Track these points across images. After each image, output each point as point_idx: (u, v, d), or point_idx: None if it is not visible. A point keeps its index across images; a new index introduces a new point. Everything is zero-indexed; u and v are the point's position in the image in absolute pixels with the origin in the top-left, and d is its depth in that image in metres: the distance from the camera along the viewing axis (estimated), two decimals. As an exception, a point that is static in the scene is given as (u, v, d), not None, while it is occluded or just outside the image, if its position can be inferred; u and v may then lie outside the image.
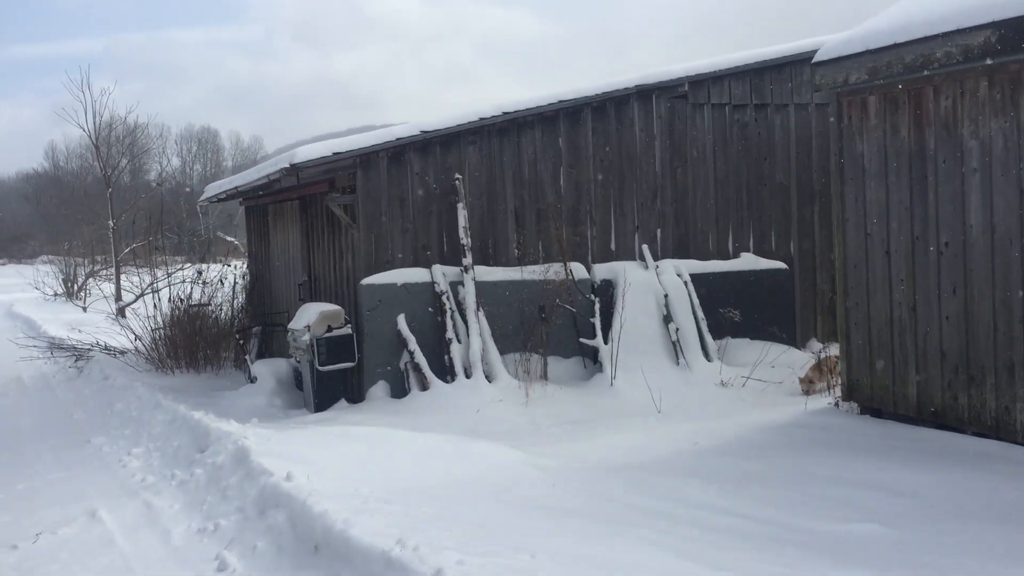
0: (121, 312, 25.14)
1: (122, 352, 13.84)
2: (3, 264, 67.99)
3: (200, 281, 14.26)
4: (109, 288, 28.90)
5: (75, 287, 34.55)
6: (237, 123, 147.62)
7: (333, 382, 9.39)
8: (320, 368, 9.20)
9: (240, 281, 14.93)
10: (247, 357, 10.74)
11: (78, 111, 36.50)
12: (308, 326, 9.23)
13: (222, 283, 14.36)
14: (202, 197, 14.94)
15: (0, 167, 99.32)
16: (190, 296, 14.00)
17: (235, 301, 14.20)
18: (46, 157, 76.48)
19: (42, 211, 69.63)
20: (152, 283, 23.94)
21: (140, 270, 28.52)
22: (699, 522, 5.02)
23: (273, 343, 13.01)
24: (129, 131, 26.38)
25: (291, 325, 9.65)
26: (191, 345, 12.72)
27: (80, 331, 16.21)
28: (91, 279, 33.89)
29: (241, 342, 11.04)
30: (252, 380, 10.26)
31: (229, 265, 14.94)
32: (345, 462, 6.24)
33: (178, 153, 74.13)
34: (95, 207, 33.78)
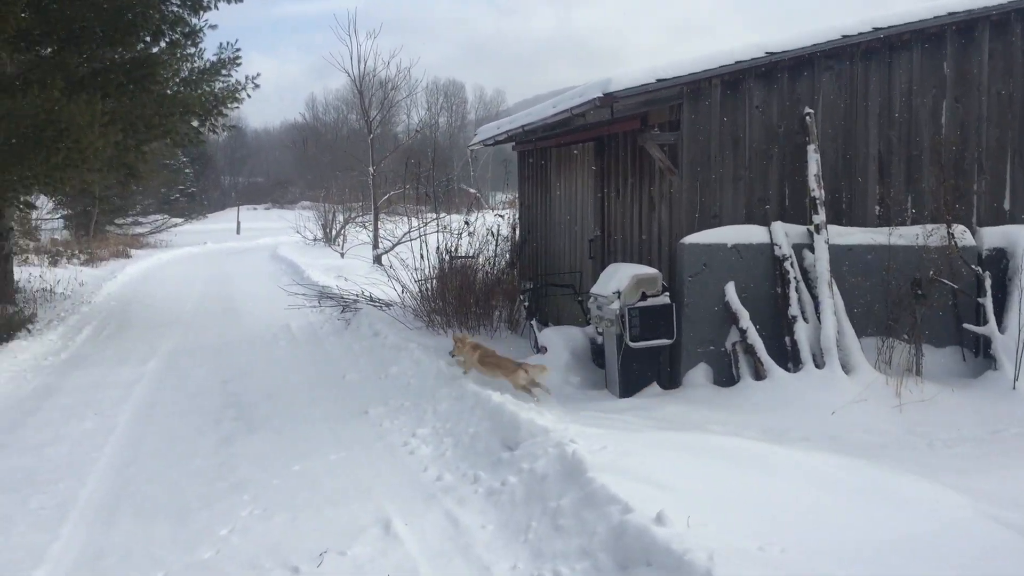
0: (377, 260, 25.08)
1: (387, 304, 12.98)
2: (267, 208, 72.67)
3: (468, 232, 13.10)
4: (366, 235, 29.11)
5: (332, 233, 35.43)
6: (480, 77, 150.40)
7: (644, 362, 7.70)
8: (631, 344, 7.52)
9: (510, 233, 13.65)
10: (533, 322, 9.29)
11: (343, 56, 37.13)
12: (618, 292, 7.57)
13: (492, 235, 13.09)
14: (474, 140, 13.69)
15: (266, 119, 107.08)
16: (456, 248, 12.90)
17: (502, 256, 12.89)
18: (307, 108, 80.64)
19: (302, 159, 73.74)
20: (413, 230, 23.65)
21: (398, 217, 28.54)
22: None
23: (548, 305, 11.57)
24: (391, 78, 25.94)
25: (594, 289, 8.03)
26: (462, 302, 11.56)
27: (345, 279, 15.65)
28: (348, 225, 34.57)
29: (526, 304, 9.62)
30: (540, 350, 8.80)
31: (501, 216, 13.65)
32: (720, 493, 4.50)
33: (425, 106, 75.80)
34: (354, 153, 34.32)
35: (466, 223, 13.32)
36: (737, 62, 7.65)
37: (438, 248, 12.75)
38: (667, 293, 7.67)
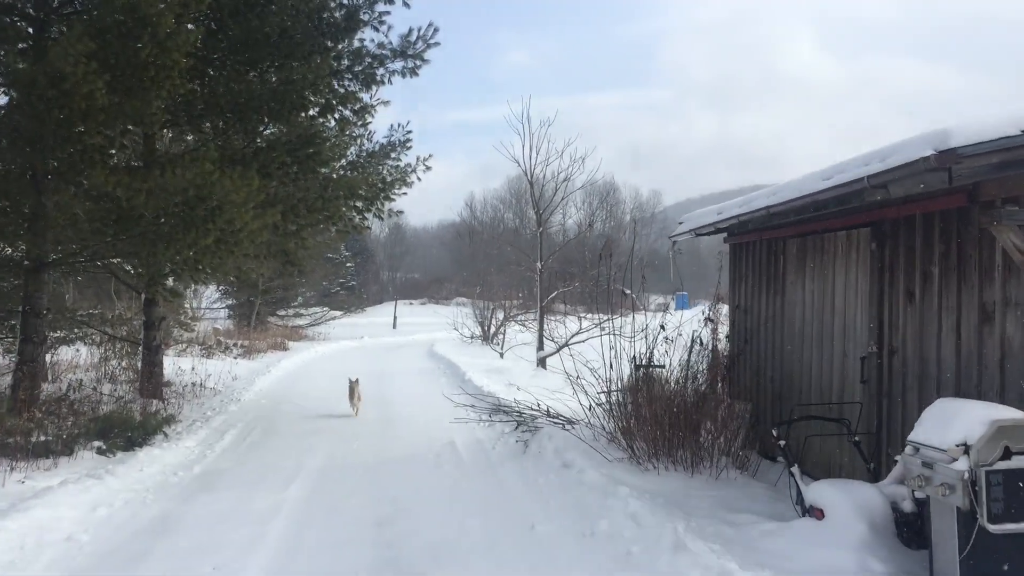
0: (542, 363, 23.00)
1: (571, 422, 10.75)
2: (423, 303, 72.82)
3: (664, 337, 10.79)
4: (529, 334, 27.22)
5: (491, 330, 33.82)
6: (636, 179, 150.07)
7: (1007, 554, 5.03)
8: (989, 526, 4.92)
9: (711, 341, 11.21)
10: (795, 472, 6.76)
11: (515, 144, 36.44)
12: (964, 444, 5.02)
13: (700, 343, 10.70)
14: (679, 230, 11.43)
15: (424, 217, 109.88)
16: (651, 357, 10.63)
17: (704, 370, 10.45)
18: (465, 207, 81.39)
19: (458, 256, 73.97)
20: (583, 331, 21.50)
21: (561, 316, 26.54)
22: None
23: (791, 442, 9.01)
24: (563, 169, 24.19)
25: (917, 437, 5.47)
26: (669, 427, 9.20)
27: (518, 388, 13.56)
28: (506, 324, 32.89)
29: (782, 443, 7.11)
30: (809, 512, 6.26)
31: (711, 320, 11.25)
32: None
33: (581, 206, 74.69)
34: (518, 247, 32.91)
35: (662, 327, 11.01)
36: None
37: (634, 358, 10.56)
38: (1042, 449, 5.04)
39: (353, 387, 14.39)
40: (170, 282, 14.76)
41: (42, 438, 10.23)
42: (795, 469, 6.77)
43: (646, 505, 6.77)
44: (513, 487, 8.55)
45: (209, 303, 39.92)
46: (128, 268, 14.65)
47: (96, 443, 10.49)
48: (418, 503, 8.07)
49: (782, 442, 7.00)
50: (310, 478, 9.28)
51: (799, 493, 6.58)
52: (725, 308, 12.35)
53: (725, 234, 11.26)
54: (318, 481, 9.15)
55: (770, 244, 10.05)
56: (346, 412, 14.24)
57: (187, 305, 34.10)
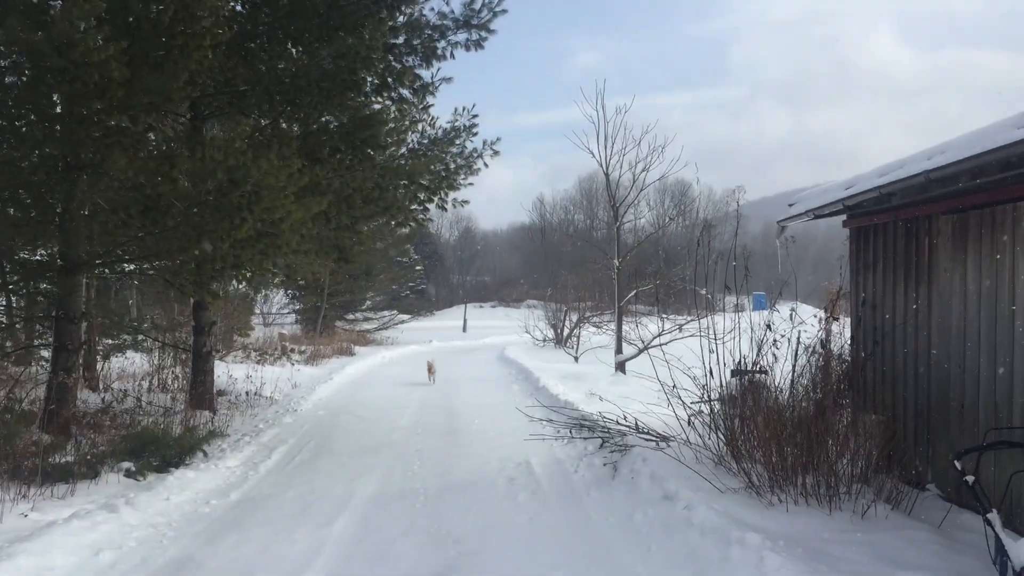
0: (620, 368, 21.32)
1: (664, 439, 9.15)
2: (493, 306, 71.58)
3: (773, 339, 9.11)
4: (606, 336, 25.56)
5: (564, 333, 32.27)
6: (709, 178, 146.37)
7: None
8: None
9: (828, 343, 9.44)
10: (991, 518, 5.02)
11: (589, 139, 34.82)
12: None
13: (821, 345, 9.00)
14: (789, 213, 9.65)
15: (495, 221, 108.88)
16: (755, 361, 9.04)
17: (821, 377, 8.73)
18: (534, 209, 79.90)
19: (529, 257, 72.58)
20: (666, 332, 19.78)
21: (642, 317, 24.82)
22: None
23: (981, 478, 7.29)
24: (641, 159, 22.39)
25: None
26: (794, 446, 7.54)
27: (600, 398, 11.95)
28: (580, 326, 31.31)
29: (969, 480, 5.35)
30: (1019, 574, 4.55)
31: (833, 317, 9.49)
32: None
33: (654, 205, 72.47)
34: (596, 246, 31.32)
35: (768, 327, 9.31)
36: None
37: (738, 363, 9.03)
38: None
39: (430, 365, 19.65)
40: (239, 285, 13.56)
41: (63, 459, 9.04)
42: (993, 516, 5.02)
43: (786, 562, 5.12)
44: (603, 525, 6.95)
45: (278, 308, 39.28)
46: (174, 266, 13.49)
47: (126, 464, 9.27)
48: (487, 545, 6.55)
49: (970, 478, 5.25)
50: (360, 509, 7.84)
51: (1000, 547, 4.86)
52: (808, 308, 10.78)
53: (844, 216, 9.52)
54: (369, 513, 7.71)
55: (909, 224, 8.25)
56: (408, 425, 12.85)
57: (256, 310, 33.39)
